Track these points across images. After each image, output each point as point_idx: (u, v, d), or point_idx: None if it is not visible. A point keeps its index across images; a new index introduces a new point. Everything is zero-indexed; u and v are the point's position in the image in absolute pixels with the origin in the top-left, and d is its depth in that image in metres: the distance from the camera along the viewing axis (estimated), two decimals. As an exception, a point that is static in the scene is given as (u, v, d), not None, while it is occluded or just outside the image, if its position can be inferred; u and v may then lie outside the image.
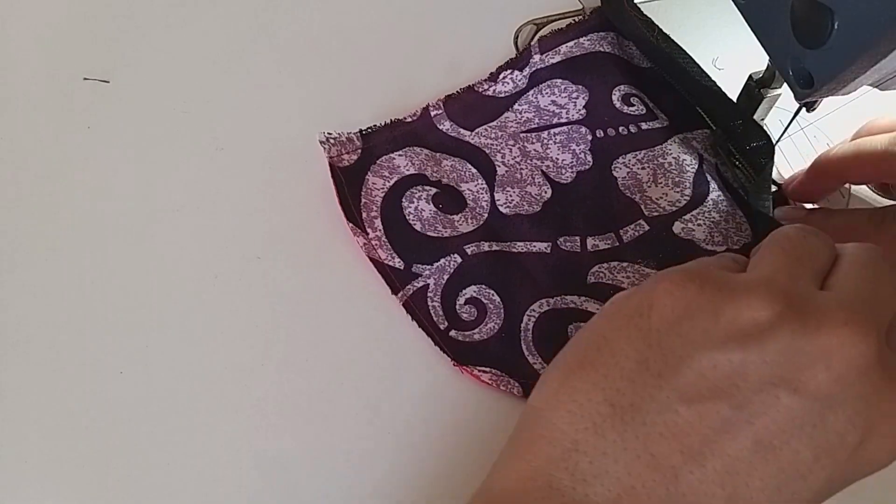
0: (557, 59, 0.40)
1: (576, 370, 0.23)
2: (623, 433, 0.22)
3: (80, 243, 0.36)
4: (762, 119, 0.37)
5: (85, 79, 0.41)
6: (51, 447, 0.32)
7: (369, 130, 0.38)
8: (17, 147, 0.39)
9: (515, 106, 0.39)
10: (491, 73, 0.40)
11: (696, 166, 0.37)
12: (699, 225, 0.36)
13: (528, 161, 0.38)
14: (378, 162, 0.37)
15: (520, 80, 0.40)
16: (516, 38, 0.42)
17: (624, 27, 0.40)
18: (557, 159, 0.38)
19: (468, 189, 0.37)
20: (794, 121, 0.35)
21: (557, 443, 0.22)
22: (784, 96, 0.37)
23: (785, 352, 0.21)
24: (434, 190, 0.37)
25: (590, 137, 0.38)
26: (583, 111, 0.39)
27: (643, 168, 0.37)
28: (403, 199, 0.36)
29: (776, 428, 0.21)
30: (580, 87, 0.39)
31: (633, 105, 0.39)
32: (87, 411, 0.33)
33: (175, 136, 0.39)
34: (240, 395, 0.33)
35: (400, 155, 0.37)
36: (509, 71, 0.40)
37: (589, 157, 0.38)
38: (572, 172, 0.38)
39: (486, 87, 0.40)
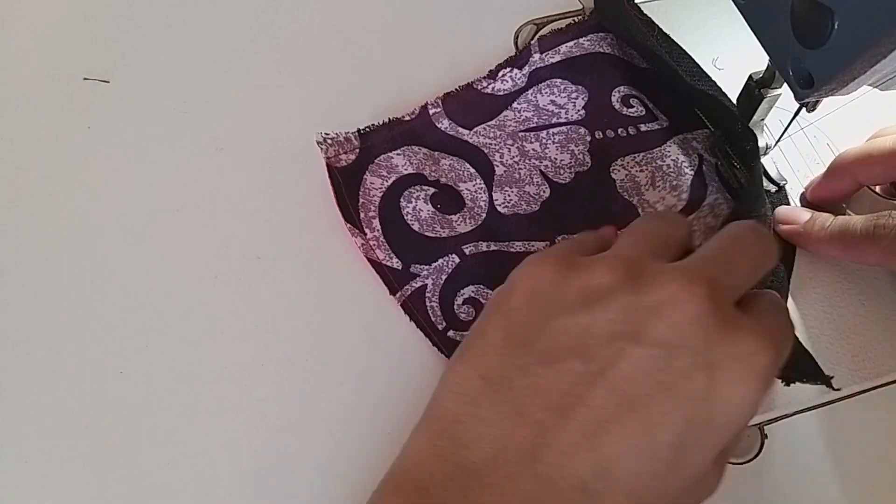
0: (557, 58, 0.40)
1: (457, 357, 0.26)
2: (494, 401, 0.24)
3: (80, 243, 0.36)
4: (762, 119, 0.37)
5: (85, 79, 0.41)
6: (51, 447, 0.32)
7: (367, 130, 0.37)
8: (17, 147, 0.39)
9: (514, 104, 0.39)
10: (490, 71, 0.40)
11: (696, 168, 0.37)
12: (694, 230, 0.36)
13: (527, 161, 0.38)
14: (376, 161, 0.37)
15: (519, 79, 0.40)
16: (516, 38, 0.42)
17: (622, 28, 0.40)
18: (556, 159, 0.38)
19: (466, 189, 0.37)
20: (795, 121, 0.35)
21: (443, 419, 0.25)
22: (784, 96, 0.37)
23: (625, 309, 0.24)
24: (432, 190, 0.37)
25: (589, 138, 0.38)
26: (582, 112, 0.39)
27: (641, 171, 0.37)
28: (402, 199, 0.36)
29: (626, 376, 0.24)
30: (580, 87, 0.39)
31: (633, 106, 0.39)
32: (87, 411, 0.33)
33: (175, 136, 0.39)
34: (240, 395, 0.33)
35: (398, 154, 0.37)
36: (509, 69, 0.40)
37: (588, 158, 0.38)
38: (571, 173, 0.38)
39: (485, 84, 0.40)
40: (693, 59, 0.39)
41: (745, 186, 0.36)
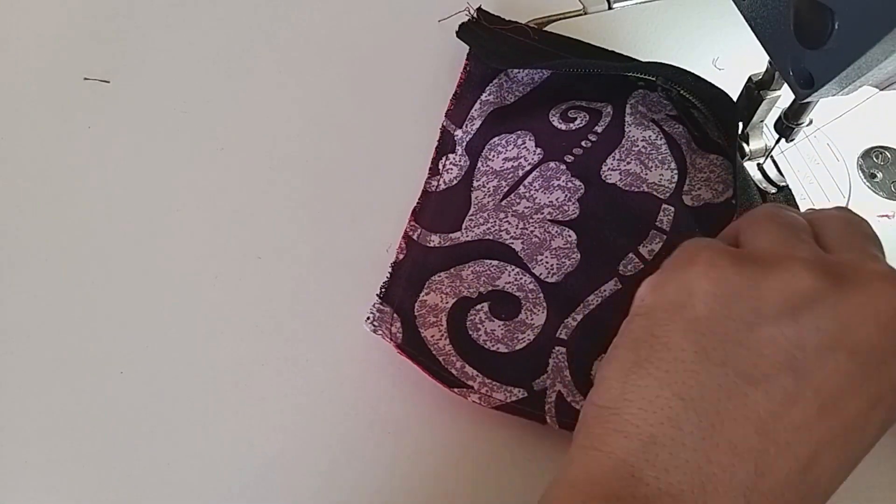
0: (478, 123, 0.38)
1: (635, 369, 0.23)
2: (699, 424, 0.22)
3: (80, 243, 0.36)
4: (761, 121, 0.37)
5: (85, 79, 0.41)
6: (51, 447, 0.32)
7: (383, 290, 0.34)
8: (17, 147, 0.39)
9: (475, 184, 0.37)
10: (430, 169, 0.38)
11: (661, 134, 0.37)
12: (700, 189, 0.36)
13: (530, 221, 0.36)
14: (417, 314, 0.34)
15: (460, 161, 0.38)
16: (516, 38, 0.42)
17: (497, 53, 0.39)
18: (552, 202, 0.36)
19: (507, 283, 0.35)
20: (801, 128, 0.36)
21: (634, 437, 0.22)
22: (783, 97, 0.37)
23: (834, 315, 0.22)
24: (485, 304, 0.34)
25: (563, 167, 0.37)
26: (538, 150, 0.37)
27: (628, 164, 0.37)
28: (469, 331, 0.33)
29: (839, 390, 0.22)
30: (518, 132, 0.38)
31: (575, 118, 0.38)
32: (87, 411, 0.33)
33: (175, 136, 0.39)
34: (240, 395, 0.33)
35: (427, 293, 0.34)
36: (444, 158, 0.38)
37: (577, 182, 0.37)
38: (574, 204, 0.36)
39: (435, 183, 0.37)
40: (578, 40, 0.39)
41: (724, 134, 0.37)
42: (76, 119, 0.39)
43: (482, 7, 0.40)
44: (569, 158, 0.37)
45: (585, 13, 0.43)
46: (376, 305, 0.34)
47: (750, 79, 0.36)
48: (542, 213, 0.36)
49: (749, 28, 0.31)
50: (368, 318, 0.33)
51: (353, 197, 0.38)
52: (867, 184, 0.39)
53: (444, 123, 0.39)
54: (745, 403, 0.22)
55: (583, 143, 0.37)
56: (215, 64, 0.41)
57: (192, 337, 0.34)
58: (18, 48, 0.42)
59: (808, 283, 0.22)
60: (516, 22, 0.40)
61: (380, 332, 0.33)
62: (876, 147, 0.40)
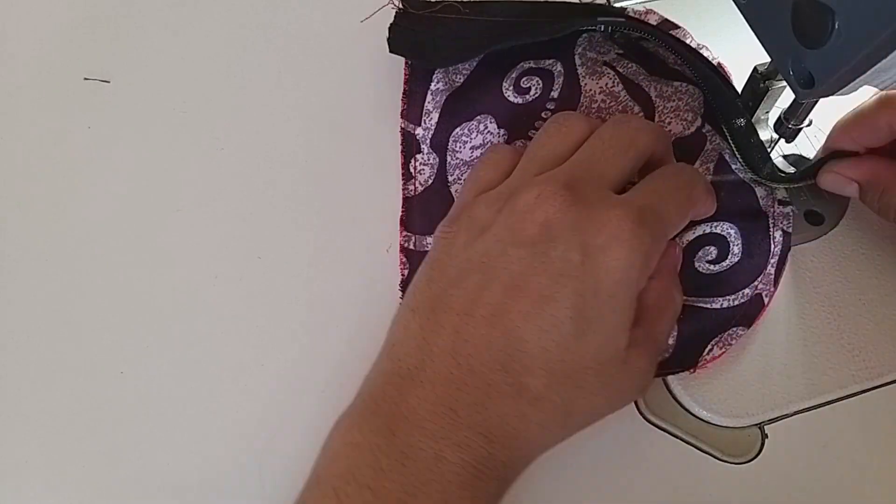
0: (435, 116, 0.38)
1: (410, 291, 0.32)
2: (420, 321, 0.29)
3: (80, 243, 0.36)
4: (767, 112, 0.37)
5: (85, 79, 0.41)
6: (51, 447, 0.32)
7: None
8: (17, 147, 0.39)
9: (450, 179, 0.37)
10: (403, 174, 0.37)
11: (618, 78, 0.37)
12: (670, 123, 0.37)
13: None
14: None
15: (429, 160, 0.37)
16: (516, 37, 0.42)
17: (429, 41, 0.37)
18: None
19: None
20: (801, 129, 0.35)
21: (385, 347, 0.30)
22: (784, 95, 0.37)
23: (506, 226, 0.29)
24: None
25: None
26: (501, 131, 0.37)
27: (602, 115, 0.37)
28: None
29: (516, 272, 0.28)
30: (478, 117, 0.37)
31: (528, 88, 0.37)
32: (87, 411, 0.33)
33: (175, 136, 0.39)
34: (240, 395, 0.33)
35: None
36: (413, 160, 0.37)
37: None
38: None
39: (412, 187, 0.37)
40: (508, 3, 0.37)
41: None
42: (76, 119, 0.39)
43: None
44: (533, 133, 0.37)
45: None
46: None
47: (755, 69, 0.36)
48: None
49: (749, 28, 0.31)
50: None
51: (353, 197, 0.38)
52: (867, 184, 0.39)
53: (403, 124, 0.38)
54: (449, 299, 0.29)
55: (543, 115, 0.37)
56: (215, 64, 0.41)
57: (192, 337, 0.34)
58: (18, 48, 0.42)
59: (489, 214, 0.30)
60: (443, 1, 0.38)
61: None
62: (876, 147, 0.39)
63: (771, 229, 0.36)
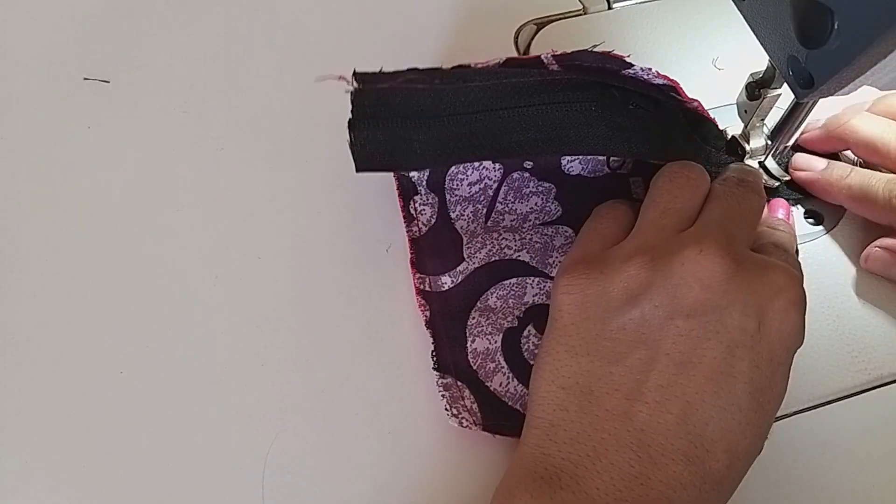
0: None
1: (536, 375, 0.29)
2: (580, 404, 0.27)
3: (80, 243, 0.36)
4: (762, 119, 0.37)
5: (85, 79, 0.41)
6: (51, 447, 0.32)
7: (434, 359, 0.33)
8: (17, 147, 0.39)
9: (453, 215, 0.36)
10: (404, 216, 0.36)
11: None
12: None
13: (523, 231, 0.36)
14: (475, 367, 0.33)
15: (428, 200, 0.36)
16: (516, 37, 0.43)
17: (400, 103, 0.31)
18: (533, 208, 0.36)
19: (534, 295, 0.34)
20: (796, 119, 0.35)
21: (539, 426, 0.28)
22: (784, 95, 0.37)
23: (665, 291, 0.27)
24: (529, 325, 0.34)
25: (526, 174, 0.36)
26: (497, 166, 0.36)
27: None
28: (529, 360, 0.33)
29: (687, 347, 0.27)
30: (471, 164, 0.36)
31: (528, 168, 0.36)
32: (87, 411, 0.33)
33: (175, 136, 0.39)
34: (240, 395, 0.33)
35: (472, 341, 0.34)
36: (411, 202, 0.36)
37: (547, 184, 0.36)
38: (554, 202, 0.36)
39: (416, 228, 0.36)
40: (482, 71, 0.32)
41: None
42: (76, 119, 0.39)
43: (357, 72, 0.32)
44: (528, 164, 0.36)
45: (585, 13, 0.43)
46: (439, 381, 0.33)
47: (751, 76, 0.36)
48: (530, 220, 0.36)
49: (749, 28, 0.31)
50: (447, 410, 0.32)
51: (353, 197, 0.38)
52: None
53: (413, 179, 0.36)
54: (611, 380, 0.27)
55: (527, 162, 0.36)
56: (215, 64, 0.41)
57: (192, 337, 0.34)
58: (18, 48, 0.42)
59: (642, 273, 0.28)
60: (406, 70, 0.33)
61: (462, 418, 0.32)
62: (876, 147, 0.39)
63: None
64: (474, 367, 0.33)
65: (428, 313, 0.34)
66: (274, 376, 0.34)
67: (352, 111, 0.31)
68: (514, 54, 0.41)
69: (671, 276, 0.27)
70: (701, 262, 0.27)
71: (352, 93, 0.31)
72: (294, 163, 0.39)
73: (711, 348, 0.26)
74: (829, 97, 0.29)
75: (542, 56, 0.32)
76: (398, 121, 0.31)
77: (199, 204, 0.38)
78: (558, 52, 0.32)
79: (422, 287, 0.35)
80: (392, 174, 0.36)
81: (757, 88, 0.36)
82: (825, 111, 0.37)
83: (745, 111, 0.37)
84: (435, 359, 0.33)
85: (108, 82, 0.41)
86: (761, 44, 0.31)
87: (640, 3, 0.44)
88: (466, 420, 0.32)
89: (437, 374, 0.33)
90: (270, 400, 0.33)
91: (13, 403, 0.33)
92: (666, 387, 0.26)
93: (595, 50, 0.31)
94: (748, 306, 0.27)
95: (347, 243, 0.36)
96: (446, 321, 0.34)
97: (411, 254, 0.35)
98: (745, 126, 0.37)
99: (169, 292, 0.35)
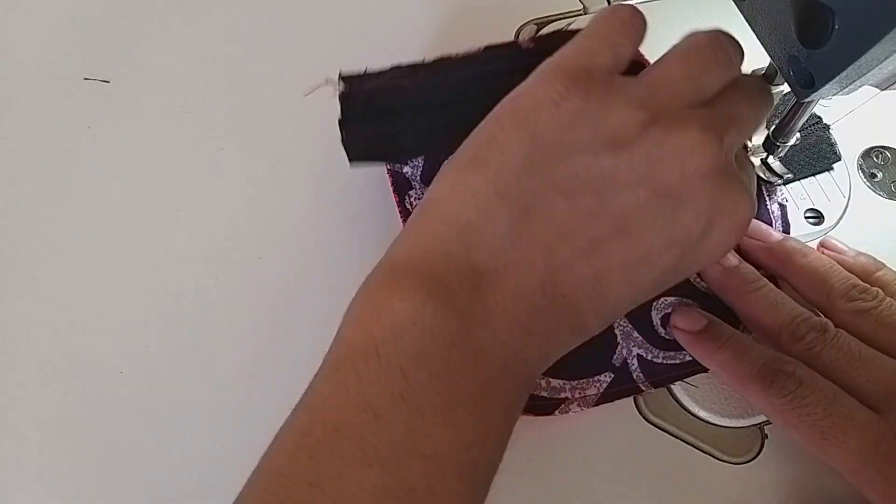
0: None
1: (469, 165, 0.26)
2: (509, 217, 0.25)
3: (80, 243, 0.36)
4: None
5: (85, 79, 0.41)
6: (51, 447, 0.32)
7: None
8: (17, 147, 0.39)
9: None
10: (399, 211, 0.36)
11: None
12: None
13: None
14: None
15: (422, 193, 0.35)
16: (516, 38, 0.42)
17: (387, 111, 0.33)
18: None
19: None
20: (787, 141, 0.36)
21: (452, 223, 0.26)
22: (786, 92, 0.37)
23: (647, 157, 0.26)
24: None
25: None
26: None
27: None
28: None
29: (634, 219, 0.26)
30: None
31: None
32: (87, 411, 0.33)
33: (175, 136, 0.39)
34: (240, 395, 0.33)
35: None
36: (406, 197, 0.36)
37: None
38: None
39: None
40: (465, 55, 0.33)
41: None
42: (76, 119, 0.39)
43: (343, 75, 0.34)
44: None
45: (585, 13, 0.43)
46: None
47: (753, 73, 0.36)
48: None
49: (749, 28, 0.31)
50: None
51: (353, 197, 0.38)
52: (867, 184, 0.39)
53: (388, 164, 0.36)
54: (552, 209, 0.26)
55: None
56: (215, 64, 0.41)
57: (192, 337, 0.34)
58: (18, 48, 0.42)
59: (634, 132, 0.26)
60: (390, 68, 0.34)
61: None
62: (876, 147, 0.40)
63: (767, 202, 0.36)
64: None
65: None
66: (274, 376, 0.34)
67: (341, 112, 0.32)
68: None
69: (660, 148, 0.26)
70: (696, 153, 0.26)
71: (340, 95, 0.32)
72: (294, 163, 0.39)
73: (652, 232, 0.26)
74: (830, 97, 0.29)
75: (520, 41, 0.32)
76: (386, 117, 0.32)
77: (199, 204, 0.37)
78: (535, 36, 0.32)
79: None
80: (386, 172, 0.36)
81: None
82: (825, 111, 0.37)
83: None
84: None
85: (108, 82, 0.41)
86: (761, 44, 0.31)
87: (640, 3, 0.44)
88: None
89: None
90: (270, 400, 0.33)
91: (13, 403, 0.33)
92: (597, 241, 0.26)
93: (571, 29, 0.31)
94: (704, 214, 0.26)
95: (347, 243, 0.36)
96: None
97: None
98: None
99: (169, 292, 0.35)
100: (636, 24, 0.29)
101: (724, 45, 0.29)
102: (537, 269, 0.25)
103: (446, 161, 0.28)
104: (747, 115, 0.29)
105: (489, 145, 0.26)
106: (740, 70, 0.30)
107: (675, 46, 0.29)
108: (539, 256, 0.25)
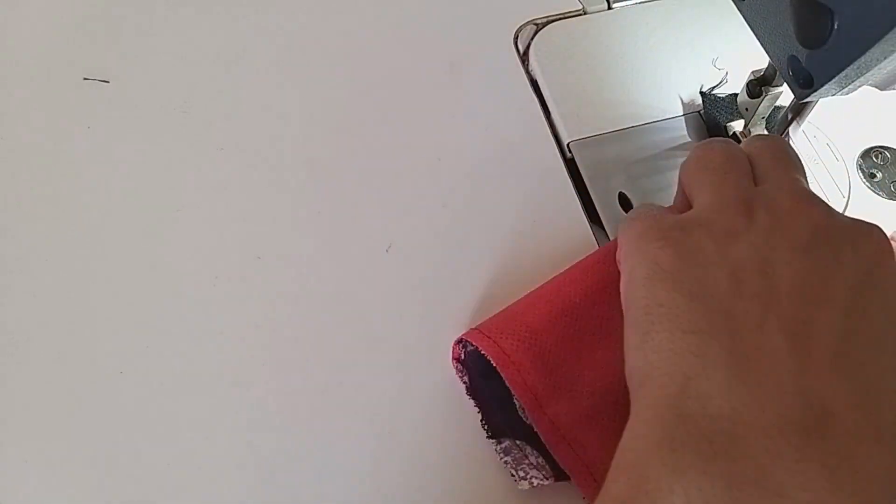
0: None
1: (646, 339, 0.25)
2: (722, 344, 0.23)
3: (80, 243, 0.36)
4: (763, 117, 0.37)
5: (85, 79, 0.41)
6: (51, 447, 0.32)
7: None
8: (17, 147, 0.39)
9: None
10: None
11: None
12: None
13: None
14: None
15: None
16: (516, 38, 0.43)
17: None
18: None
19: None
20: (795, 120, 0.35)
21: (671, 385, 0.23)
22: (784, 95, 0.37)
23: (774, 227, 0.26)
24: None
25: None
26: None
27: None
28: None
29: (807, 279, 0.25)
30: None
31: None
32: (87, 411, 0.33)
33: (175, 136, 0.39)
34: (240, 395, 0.33)
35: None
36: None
37: None
38: None
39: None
40: None
41: None
42: (76, 119, 0.39)
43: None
44: None
45: (585, 13, 0.43)
46: (497, 448, 0.31)
47: (752, 74, 0.36)
48: None
49: (749, 28, 0.31)
50: (513, 475, 0.30)
51: (353, 197, 0.38)
52: (867, 184, 0.39)
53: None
54: (748, 312, 0.24)
55: None
56: (215, 64, 0.41)
57: (192, 337, 0.34)
58: (18, 48, 0.42)
59: (739, 219, 0.26)
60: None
61: (532, 477, 0.30)
62: (876, 147, 0.40)
63: None
64: (528, 421, 0.31)
65: (466, 379, 0.33)
66: (274, 376, 0.34)
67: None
68: (514, 54, 0.41)
69: (771, 214, 0.26)
70: (804, 203, 0.26)
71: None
72: (294, 163, 0.39)
73: (835, 286, 0.24)
74: (830, 97, 0.29)
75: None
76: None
77: (199, 204, 0.37)
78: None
79: (460, 355, 0.33)
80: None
81: (758, 86, 0.36)
82: (823, 110, 0.37)
83: (747, 109, 0.37)
84: (486, 426, 0.32)
85: (108, 82, 0.41)
86: (761, 44, 0.31)
87: (640, 3, 0.44)
88: (536, 478, 0.30)
89: (494, 441, 0.31)
90: (270, 400, 0.33)
91: (13, 403, 0.33)
92: (799, 320, 0.24)
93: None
94: (846, 247, 0.25)
95: (347, 243, 0.36)
96: (487, 381, 0.32)
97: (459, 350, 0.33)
98: (747, 124, 0.37)
99: (169, 292, 0.35)
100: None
101: (714, 146, 0.30)
102: (784, 382, 0.23)
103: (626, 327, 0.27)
104: (794, 168, 0.29)
105: (646, 312, 0.26)
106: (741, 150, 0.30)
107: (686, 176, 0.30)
108: (779, 364, 0.23)
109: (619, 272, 0.30)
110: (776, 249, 0.25)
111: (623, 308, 0.28)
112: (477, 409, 0.32)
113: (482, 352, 0.31)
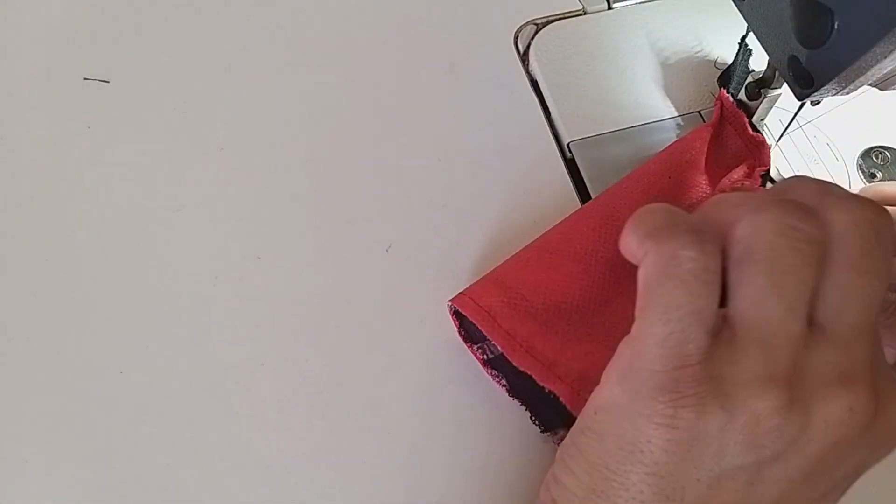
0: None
1: (590, 497, 0.23)
2: None
3: (80, 243, 0.36)
4: (762, 119, 0.37)
5: (85, 79, 0.41)
6: (51, 447, 0.32)
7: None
8: (17, 147, 0.39)
9: None
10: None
11: None
12: None
13: None
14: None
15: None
16: (516, 38, 0.43)
17: None
18: None
19: None
20: (794, 120, 0.35)
21: None
22: (784, 96, 0.37)
23: (796, 448, 0.22)
24: None
25: None
26: None
27: None
28: None
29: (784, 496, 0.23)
30: None
31: None
32: (87, 411, 0.33)
33: (175, 136, 0.39)
34: (240, 395, 0.33)
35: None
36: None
37: None
38: None
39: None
40: None
41: None
42: (76, 119, 0.39)
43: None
44: None
45: (585, 13, 0.43)
46: (555, 440, 0.31)
47: (751, 76, 0.36)
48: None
49: (749, 28, 0.31)
50: None
51: (353, 197, 0.38)
52: (867, 184, 0.39)
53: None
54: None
55: None
56: (215, 63, 0.41)
57: (191, 337, 0.34)
58: (18, 48, 0.42)
59: (771, 424, 0.21)
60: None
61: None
62: (876, 147, 0.40)
63: None
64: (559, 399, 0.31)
65: (505, 382, 0.32)
66: (274, 376, 0.34)
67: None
68: (514, 54, 0.41)
69: (806, 431, 0.22)
70: (848, 422, 0.22)
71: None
72: (294, 163, 0.39)
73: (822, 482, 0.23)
74: (830, 97, 0.29)
75: None
76: None
77: (199, 204, 0.38)
78: None
79: (487, 357, 0.33)
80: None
81: (756, 88, 0.36)
82: (823, 109, 0.37)
83: (746, 111, 0.37)
84: (536, 422, 0.32)
85: (108, 82, 0.41)
86: (761, 44, 0.31)
87: (640, 3, 0.44)
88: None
89: (549, 434, 0.31)
90: (270, 400, 0.33)
91: (13, 403, 0.33)
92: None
93: None
94: (851, 462, 0.23)
95: (347, 243, 0.36)
96: (526, 379, 0.31)
97: (460, 330, 0.33)
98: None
99: (169, 292, 0.35)
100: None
101: (797, 231, 0.22)
102: None
103: (562, 465, 0.25)
104: (874, 307, 0.22)
105: (605, 477, 0.23)
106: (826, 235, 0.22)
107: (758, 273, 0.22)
108: None
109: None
110: (786, 471, 0.22)
111: (583, 415, 0.25)
112: (524, 408, 0.32)
113: (461, 311, 0.32)
